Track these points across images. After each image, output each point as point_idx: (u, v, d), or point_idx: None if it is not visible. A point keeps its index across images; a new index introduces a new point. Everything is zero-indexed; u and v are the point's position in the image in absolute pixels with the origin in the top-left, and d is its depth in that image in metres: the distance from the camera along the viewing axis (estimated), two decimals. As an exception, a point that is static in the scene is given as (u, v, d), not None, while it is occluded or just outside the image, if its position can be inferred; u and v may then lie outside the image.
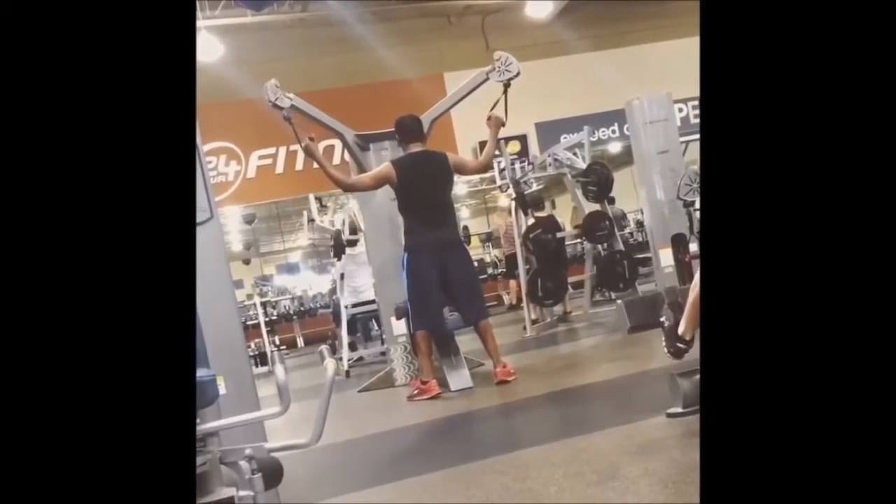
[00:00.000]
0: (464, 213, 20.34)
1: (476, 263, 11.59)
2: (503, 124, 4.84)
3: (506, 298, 12.29)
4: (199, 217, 2.83)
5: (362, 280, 7.77)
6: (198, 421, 2.13)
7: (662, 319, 3.07)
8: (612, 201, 8.43)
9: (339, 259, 7.86)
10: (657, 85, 7.57)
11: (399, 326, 5.54)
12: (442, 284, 4.82)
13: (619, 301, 6.14)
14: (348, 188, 5.32)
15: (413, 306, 4.93)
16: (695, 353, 2.91)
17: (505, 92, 4.84)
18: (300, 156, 11.88)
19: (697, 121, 8.56)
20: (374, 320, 8.68)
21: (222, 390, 2.34)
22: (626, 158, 13.18)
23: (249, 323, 10.46)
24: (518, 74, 4.85)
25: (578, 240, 9.06)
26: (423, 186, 4.80)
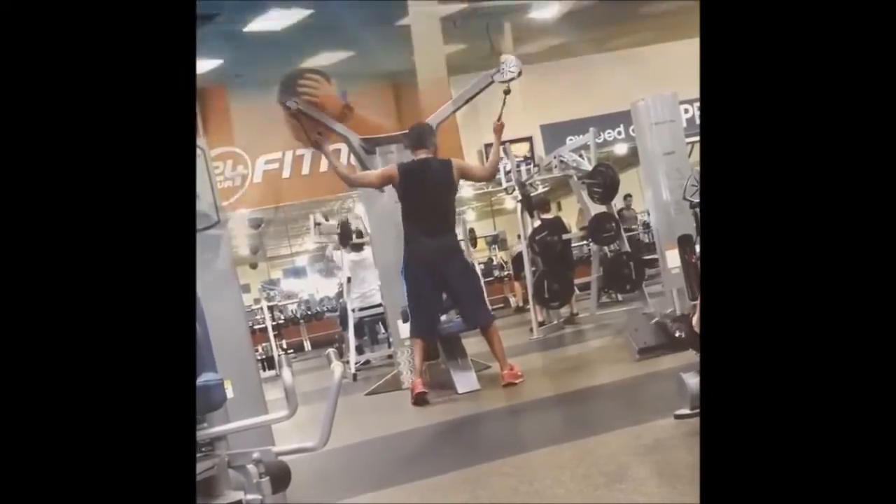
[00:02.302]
0: (469, 216, 20.34)
1: (482, 265, 11.59)
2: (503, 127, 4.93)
3: (512, 301, 12.28)
4: (206, 222, 2.84)
5: (370, 285, 7.77)
6: (205, 425, 2.14)
7: (678, 334, 3.09)
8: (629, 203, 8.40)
9: (346, 247, 7.84)
10: (663, 86, 7.56)
11: (406, 329, 5.56)
12: (443, 291, 4.98)
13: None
14: (353, 183, 5.41)
15: (410, 314, 5.12)
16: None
17: (506, 94, 4.89)
18: (306, 160, 11.90)
19: (703, 121, 8.51)
20: (380, 323, 8.68)
21: (230, 394, 2.35)
22: (631, 160, 13.17)
23: (256, 327, 10.47)
24: (520, 74, 4.89)
25: (584, 241, 9.05)
26: (424, 193, 4.90)
